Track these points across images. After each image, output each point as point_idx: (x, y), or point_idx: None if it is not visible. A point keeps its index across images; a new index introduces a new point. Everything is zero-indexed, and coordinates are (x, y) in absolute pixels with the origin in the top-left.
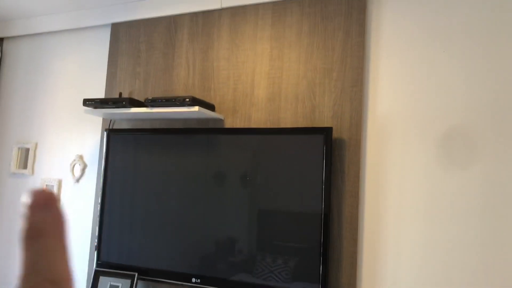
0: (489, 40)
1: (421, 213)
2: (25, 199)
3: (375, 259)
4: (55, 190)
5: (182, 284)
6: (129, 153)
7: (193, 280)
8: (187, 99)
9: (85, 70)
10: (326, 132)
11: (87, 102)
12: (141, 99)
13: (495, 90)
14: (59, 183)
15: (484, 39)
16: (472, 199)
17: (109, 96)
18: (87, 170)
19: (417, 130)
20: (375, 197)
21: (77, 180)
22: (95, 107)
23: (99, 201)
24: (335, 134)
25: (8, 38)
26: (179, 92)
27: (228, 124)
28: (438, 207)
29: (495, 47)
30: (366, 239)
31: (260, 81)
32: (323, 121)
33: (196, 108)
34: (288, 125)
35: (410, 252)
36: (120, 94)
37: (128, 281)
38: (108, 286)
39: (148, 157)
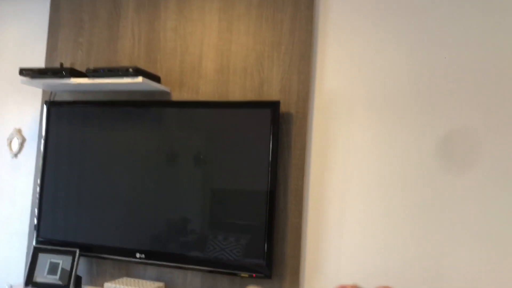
0: (432, 19)
1: (364, 185)
2: None
3: (319, 230)
4: None
5: (126, 260)
6: (71, 127)
7: (138, 255)
8: (130, 69)
9: (25, 41)
10: (273, 106)
11: (24, 72)
12: (83, 70)
13: (435, 68)
14: None
15: (427, 19)
16: (410, 172)
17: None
18: (26, 144)
19: (362, 105)
20: (320, 170)
21: (15, 155)
22: (33, 77)
23: (39, 176)
24: (282, 108)
25: None
26: (124, 63)
27: (175, 97)
28: (380, 179)
29: (437, 26)
30: (311, 210)
31: (209, 53)
32: (271, 95)
33: (140, 79)
34: (237, 99)
35: (353, 222)
36: (61, 64)
37: (69, 258)
38: (48, 263)
39: (92, 131)
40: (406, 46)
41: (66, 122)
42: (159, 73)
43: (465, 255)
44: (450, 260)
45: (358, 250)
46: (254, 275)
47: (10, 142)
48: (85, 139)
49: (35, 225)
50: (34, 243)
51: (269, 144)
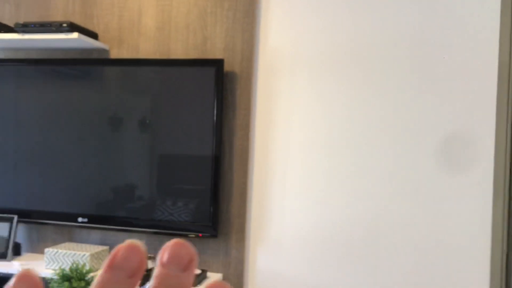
0: None
1: (308, 144)
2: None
3: (264, 188)
4: None
5: (68, 225)
6: (3, 86)
7: (80, 219)
8: (64, 24)
9: None
10: (217, 64)
11: None
12: (12, 25)
13: (378, 27)
14: None
15: None
16: (351, 130)
17: None
18: None
19: (306, 64)
20: (265, 129)
21: None
22: None
23: None
24: (226, 67)
25: None
26: (57, 19)
27: (114, 55)
28: (323, 138)
29: None
30: (256, 170)
31: (148, 8)
32: (215, 53)
33: (75, 35)
34: (179, 57)
35: (296, 180)
36: None
37: (7, 225)
38: None
39: (26, 91)
40: (350, 4)
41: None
42: (96, 30)
43: (402, 211)
44: (387, 216)
45: (301, 207)
46: (200, 235)
47: None
48: (19, 100)
49: None
50: None
51: (214, 104)
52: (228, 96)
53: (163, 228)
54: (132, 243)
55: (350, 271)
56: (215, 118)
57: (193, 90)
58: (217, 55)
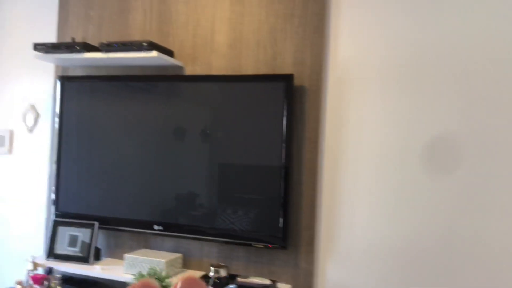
0: None
1: (378, 156)
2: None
3: (333, 201)
4: (6, 141)
5: (144, 232)
6: (84, 102)
7: (155, 227)
8: (145, 43)
9: (35, 15)
10: (287, 79)
11: (38, 47)
12: (95, 44)
13: (450, 38)
14: (11, 133)
15: None
16: (425, 143)
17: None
18: (40, 119)
19: (376, 76)
20: (334, 142)
21: (30, 130)
22: (46, 52)
23: (55, 151)
24: (296, 81)
25: None
26: (136, 37)
27: (188, 71)
28: (394, 150)
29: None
30: (325, 182)
31: (221, 26)
32: (284, 68)
33: (154, 53)
34: (249, 73)
35: (366, 192)
36: (73, 39)
37: (88, 231)
38: (68, 236)
39: (105, 106)
40: (420, 15)
41: (79, 96)
42: (171, 47)
43: (475, 224)
44: (461, 229)
45: (371, 220)
46: (270, 246)
47: (25, 117)
48: (98, 114)
49: (53, 199)
50: (52, 216)
51: (283, 117)
52: (297, 109)
53: (235, 238)
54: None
55: (422, 286)
56: (284, 130)
57: (264, 104)
58: (287, 70)
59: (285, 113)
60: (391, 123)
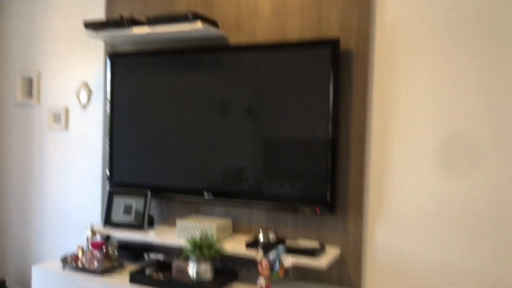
0: None
1: (428, 120)
2: None
3: (382, 166)
4: (63, 118)
5: (194, 201)
6: (134, 77)
7: (205, 194)
8: (189, 15)
9: None
10: (333, 44)
11: (88, 25)
12: (142, 19)
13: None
14: (66, 111)
15: None
16: (475, 107)
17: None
18: (93, 96)
19: (425, 39)
20: (383, 106)
21: (84, 107)
22: (96, 30)
23: (108, 125)
24: (342, 46)
25: None
26: (181, 9)
27: (233, 41)
28: (444, 114)
29: None
30: (373, 147)
31: None
32: (330, 33)
33: (199, 24)
34: (295, 39)
35: (416, 158)
36: (121, 15)
37: (142, 199)
38: (122, 205)
39: (153, 80)
40: None
41: (128, 72)
42: (215, 18)
43: None
44: None
45: (421, 184)
46: (318, 211)
47: (78, 94)
48: (147, 88)
49: (108, 171)
50: (108, 187)
51: (330, 83)
52: (345, 74)
53: (282, 202)
54: None
55: (474, 249)
56: (331, 95)
57: (310, 70)
58: (333, 35)
59: (331, 78)
60: (442, 84)
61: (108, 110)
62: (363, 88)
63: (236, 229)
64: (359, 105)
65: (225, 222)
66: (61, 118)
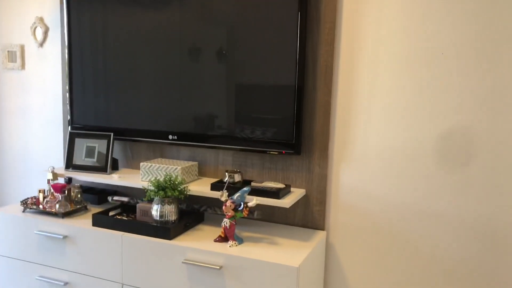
0: None
1: (395, 60)
2: None
3: (348, 106)
4: (18, 57)
5: (159, 142)
6: (94, 12)
7: (170, 137)
8: None
9: None
10: None
11: None
12: None
13: None
14: (22, 48)
15: None
16: (441, 43)
17: None
18: (50, 33)
19: None
20: (350, 44)
21: (41, 45)
22: None
23: (67, 65)
24: None
25: None
26: None
27: None
28: (412, 54)
29: None
30: (340, 87)
31: None
32: None
33: None
34: None
35: (382, 98)
36: None
37: (104, 141)
38: (85, 147)
39: (117, 16)
40: None
41: (89, 6)
42: None
43: (496, 124)
44: (481, 131)
45: (386, 125)
46: (283, 151)
47: (34, 31)
48: (110, 24)
49: (68, 112)
50: (69, 128)
51: (297, 19)
52: (313, 10)
53: (247, 145)
54: None
55: (438, 189)
56: (298, 32)
57: (278, 9)
58: None
59: (299, 13)
60: (411, 23)
61: (66, 48)
62: (331, 23)
63: (202, 172)
64: (327, 42)
65: (191, 165)
66: (17, 57)
